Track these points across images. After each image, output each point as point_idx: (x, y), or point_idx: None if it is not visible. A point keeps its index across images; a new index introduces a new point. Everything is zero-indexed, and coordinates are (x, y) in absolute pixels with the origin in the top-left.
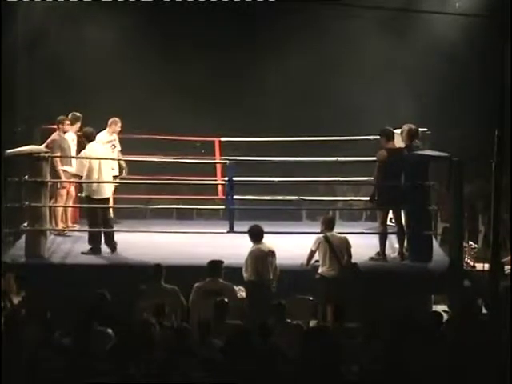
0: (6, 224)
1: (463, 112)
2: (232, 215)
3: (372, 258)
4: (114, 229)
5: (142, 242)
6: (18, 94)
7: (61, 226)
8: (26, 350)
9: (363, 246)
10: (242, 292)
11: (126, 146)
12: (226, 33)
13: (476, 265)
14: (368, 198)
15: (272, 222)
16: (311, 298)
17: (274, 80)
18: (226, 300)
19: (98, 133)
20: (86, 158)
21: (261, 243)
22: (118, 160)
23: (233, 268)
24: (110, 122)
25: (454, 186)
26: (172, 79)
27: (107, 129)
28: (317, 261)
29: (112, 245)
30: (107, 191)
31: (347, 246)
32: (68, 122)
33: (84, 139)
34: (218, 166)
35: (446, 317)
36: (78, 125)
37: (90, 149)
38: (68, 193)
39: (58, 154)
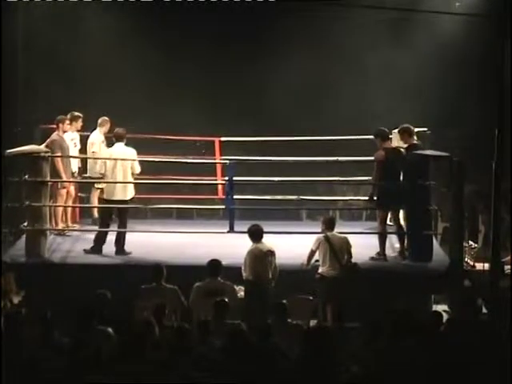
0: (6, 224)
1: (463, 112)
2: (232, 215)
3: (372, 258)
4: (114, 228)
5: (143, 242)
6: (18, 94)
7: (61, 225)
8: (26, 350)
9: (363, 245)
10: (242, 292)
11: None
12: (227, 32)
13: (476, 264)
14: (367, 198)
15: (272, 222)
16: (311, 298)
17: (274, 80)
18: (226, 300)
19: (91, 133)
20: (85, 157)
21: (260, 243)
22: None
23: (233, 268)
24: (100, 121)
25: (454, 186)
26: (172, 78)
27: (98, 128)
28: (317, 260)
29: (120, 247)
30: (120, 193)
31: (347, 245)
32: (67, 122)
33: (114, 139)
34: (218, 166)
35: (446, 316)
36: (78, 124)
37: (112, 150)
38: (68, 192)
39: (59, 154)
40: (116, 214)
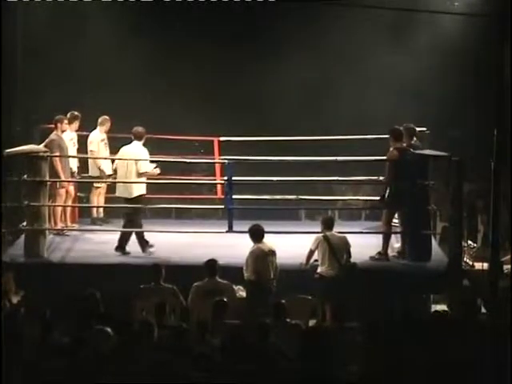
0: (5, 223)
1: (463, 112)
2: (231, 215)
3: (373, 258)
4: (115, 228)
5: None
6: (17, 94)
7: (60, 225)
8: (25, 350)
9: (363, 245)
10: (241, 291)
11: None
12: (227, 32)
13: (475, 264)
14: (368, 198)
15: (271, 222)
16: (310, 298)
17: (274, 80)
18: (225, 299)
19: (91, 132)
20: (84, 157)
21: (261, 243)
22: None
23: (232, 267)
24: (101, 120)
25: (453, 186)
26: (171, 78)
27: (99, 127)
28: (316, 260)
29: (143, 244)
30: (135, 191)
31: (346, 245)
32: (66, 122)
33: (132, 137)
34: (217, 166)
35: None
36: (76, 124)
37: (126, 148)
38: (67, 192)
39: (57, 154)
40: (131, 213)
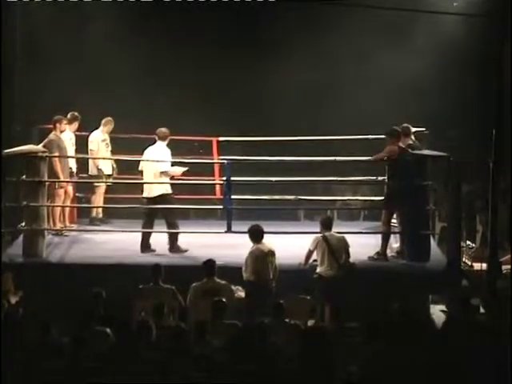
0: (4, 224)
1: (462, 111)
2: (230, 215)
3: (371, 258)
4: (112, 228)
5: (140, 242)
6: (16, 94)
7: (58, 225)
8: (24, 350)
9: (362, 245)
10: (239, 291)
11: (124, 146)
12: (226, 32)
13: (474, 264)
14: (367, 198)
15: (270, 222)
16: (309, 298)
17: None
18: (223, 300)
19: (92, 132)
20: (84, 157)
21: (261, 243)
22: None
23: (230, 268)
24: (104, 121)
25: (452, 186)
26: (170, 78)
27: (101, 128)
28: (315, 260)
29: (172, 244)
30: (155, 191)
31: (345, 245)
32: (65, 122)
33: (157, 138)
34: (216, 166)
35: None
36: (76, 124)
37: (149, 149)
38: (66, 192)
39: (56, 154)
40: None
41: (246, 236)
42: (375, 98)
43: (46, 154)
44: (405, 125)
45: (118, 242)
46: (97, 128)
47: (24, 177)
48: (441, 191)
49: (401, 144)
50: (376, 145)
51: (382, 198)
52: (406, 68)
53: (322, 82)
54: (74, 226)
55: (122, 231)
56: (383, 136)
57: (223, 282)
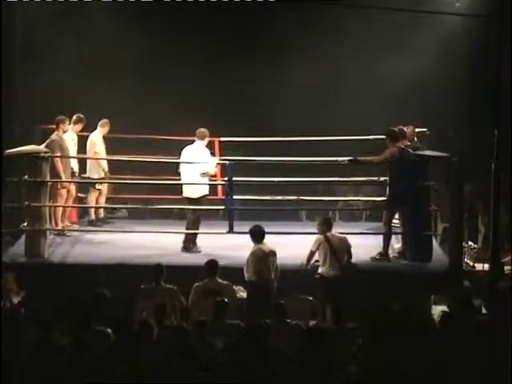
0: (6, 224)
1: (463, 112)
2: (232, 215)
3: (373, 258)
4: (112, 229)
5: (142, 243)
6: (18, 94)
7: (60, 225)
8: (25, 350)
9: (364, 246)
10: (241, 292)
11: (125, 146)
12: (226, 32)
13: (476, 265)
14: (369, 198)
15: (272, 223)
16: (311, 298)
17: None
18: (225, 300)
19: (91, 134)
20: (86, 157)
21: (262, 243)
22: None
23: (232, 268)
24: (101, 122)
25: (453, 186)
26: (170, 78)
27: (99, 129)
28: (317, 261)
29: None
30: (195, 191)
31: (347, 245)
32: (68, 122)
33: (196, 138)
34: (218, 166)
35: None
36: (80, 126)
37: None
38: (69, 192)
39: (58, 154)
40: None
41: (248, 236)
42: (377, 98)
43: (49, 154)
44: (399, 127)
45: (121, 242)
46: (95, 129)
47: (26, 177)
48: (442, 191)
49: (400, 145)
50: (378, 146)
51: (384, 198)
52: (404, 68)
53: (322, 82)
54: (76, 227)
55: (125, 232)
56: (383, 136)
57: (225, 282)
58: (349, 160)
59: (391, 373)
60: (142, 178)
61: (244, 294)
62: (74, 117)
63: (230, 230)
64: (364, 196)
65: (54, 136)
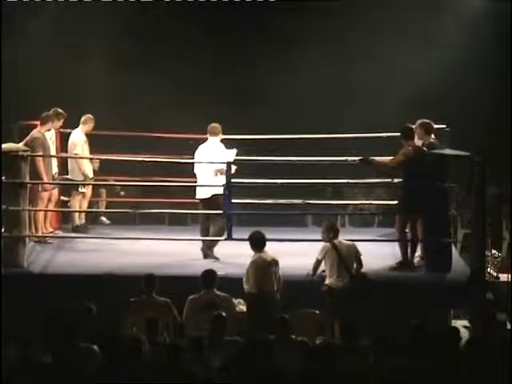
0: None
1: (487, 111)
2: (230, 221)
3: (392, 268)
4: (103, 236)
5: (131, 250)
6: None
7: (41, 232)
8: (3, 368)
9: (375, 254)
10: (241, 305)
11: (113, 145)
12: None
13: (500, 275)
14: (382, 202)
15: (274, 228)
16: (317, 312)
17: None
18: (223, 314)
19: (72, 132)
20: (69, 156)
21: (263, 252)
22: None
23: (231, 279)
24: (84, 118)
25: (475, 189)
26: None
27: (81, 126)
28: (323, 271)
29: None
30: (202, 192)
31: (356, 253)
32: (56, 120)
33: (209, 134)
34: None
35: (466, 333)
36: (60, 122)
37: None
38: (51, 195)
39: (40, 153)
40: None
41: (248, 244)
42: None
43: (28, 152)
44: (425, 121)
45: (108, 250)
46: (77, 127)
47: (3, 178)
48: (463, 194)
49: (417, 142)
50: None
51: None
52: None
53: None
54: (59, 233)
55: (110, 238)
56: (398, 134)
57: (223, 294)
58: (360, 160)
59: None
60: (131, 180)
61: (244, 308)
62: (51, 111)
63: (229, 237)
64: (376, 199)
65: (35, 133)
